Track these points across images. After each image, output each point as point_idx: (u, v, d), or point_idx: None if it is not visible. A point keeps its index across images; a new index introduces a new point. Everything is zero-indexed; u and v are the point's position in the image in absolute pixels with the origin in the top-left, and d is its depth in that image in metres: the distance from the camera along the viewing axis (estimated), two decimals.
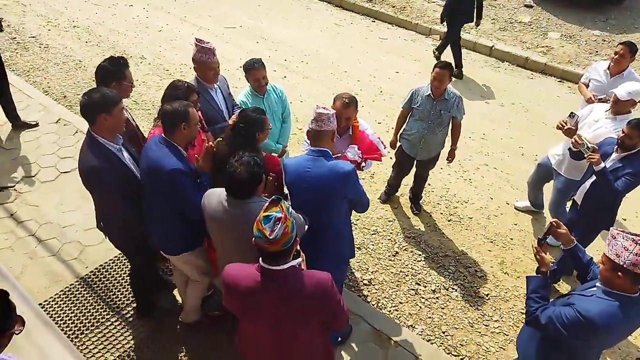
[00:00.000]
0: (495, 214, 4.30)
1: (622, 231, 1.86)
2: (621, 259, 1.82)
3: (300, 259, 1.84)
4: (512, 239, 4.07)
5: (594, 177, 2.99)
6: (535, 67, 6.55)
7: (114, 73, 2.73)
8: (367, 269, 3.72)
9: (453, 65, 6.19)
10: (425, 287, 3.60)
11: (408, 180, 4.26)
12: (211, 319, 3.11)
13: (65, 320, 3.14)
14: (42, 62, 6.06)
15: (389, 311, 3.40)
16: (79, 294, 3.31)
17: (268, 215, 1.66)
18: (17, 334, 1.70)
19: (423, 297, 3.52)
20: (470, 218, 4.25)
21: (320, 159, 2.39)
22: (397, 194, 4.37)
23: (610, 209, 3.11)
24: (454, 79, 6.23)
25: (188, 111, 2.35)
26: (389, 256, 3.84)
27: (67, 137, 4.74)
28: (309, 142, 2.51)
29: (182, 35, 6.89)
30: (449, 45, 6.25)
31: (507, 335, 3.31)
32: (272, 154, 3.42)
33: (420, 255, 3.86)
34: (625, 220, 4.26)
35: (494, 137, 5.24)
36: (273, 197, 1.74)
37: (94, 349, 3.01)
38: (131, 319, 3.18)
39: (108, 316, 3.18)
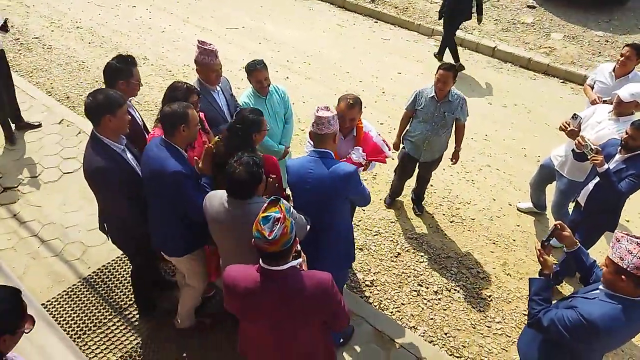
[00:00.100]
0: (497, 215, 4.28)
1: (626, 234, 1.86)
2: (625, 262, 1.81)
3: (300, 260, 1.85)
4: (514, 240, 4.06)
5: (597, 179, 2.98)
6: (538, 68, 6.54)
7: (121, 71, 2.74)
8: (370, 270, 3.71)
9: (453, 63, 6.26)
10: (427, 288, 3.59)
11: (410, 182, 4.25)
12: (211, 322, 3.11)
13: (68, 321, 3.15)
14: (45, 63, 6.08)
15: (391, 312, 3.40)
16: (81, 294, 3.32)
17: (267, 216, 1.67)
18: (26, 333, 1.72)
19: (425, 299, 3.52)
20: (473, 219, 4.23)
21: (323, 160, 2.39)
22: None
23: (614, 211, 3.10)
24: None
25: (187, 113, 2.34)
26: (391, 257, 3.83)
27: (70, 137, 4.75)
28: (312, 143, 2.51)
29: (185, 36, 6.91)
30: (446, 43, 6.28)
31: (510, 336, 3.30)
32: (274, 155, 3.44)
33: (422, 256, 3.85)
34: (628, 221, 4.24)
35: (497, 138, 5.23)
36: (272, 197, 1.74)
37: (96, 349, 3.01)
38: (133, 319, 3.18)
39: (110, 316, 3.19)
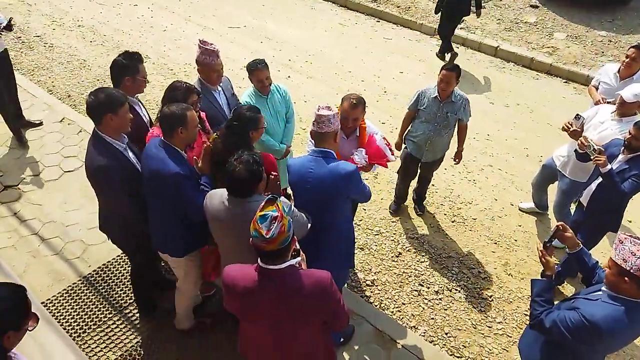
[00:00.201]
0: (499, 215, 4.27)
1: (629, 236, 1.85)
2: (628, 264, 1.81)
3: (299, 258, 1.84)
4: (516, 240, 4.05)
5: (600, 179, 2.97)
6: (540, 67, 6.51)
7: (127, 68, 2.74)
8: (370, 269, 3.70)
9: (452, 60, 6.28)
10: (428, 288, 3.58)
11: (412, 182, 4.24)
12: (212, 322, 3.10)
13: (68, 319, 3.15)
14: (47, 62, 6.08)
15: (392, 312, 3.39)
16: (81, 292, 3.31)
17: (264, 215, 1.67)
18: (30, 331, 1.72)
19: (426, 298, 3.51)
20: (474, 219, 4.22)
21: (324, 160, 2.39)
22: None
23: (617, 211, 3.09)
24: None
25: (185, 115, 2.33)
26: (392, 257, 3.82)
27: (71, 136, 4.75)
28: (313, 142, 2.51)
29: (187, 35, 6.90)
30: (440, 37, 6.36)
31: (511, 337, 3.29)
32: (275, 154, 3.42)
33: (423, 256, 3.84)
34: (630, 222, 4.22)
35: (499, 138, 5.21)
36: (269, 196, 1.74)
37: (96, 347, 3.01)
38: (133, 318, 3.17)
39: (110, 315, 3.18)
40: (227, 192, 2.12)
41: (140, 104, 2.97)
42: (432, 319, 3.37)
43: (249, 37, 6.98)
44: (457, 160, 3.91)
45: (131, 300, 3.26)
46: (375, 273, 3.68)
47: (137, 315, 3.18)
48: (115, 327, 3.12)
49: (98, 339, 3.05)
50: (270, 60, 3.40)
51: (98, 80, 5.76)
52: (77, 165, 4.38)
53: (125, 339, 3.06)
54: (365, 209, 4.20)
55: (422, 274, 3.69)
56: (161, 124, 2.38)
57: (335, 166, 2.36)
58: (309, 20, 7.57)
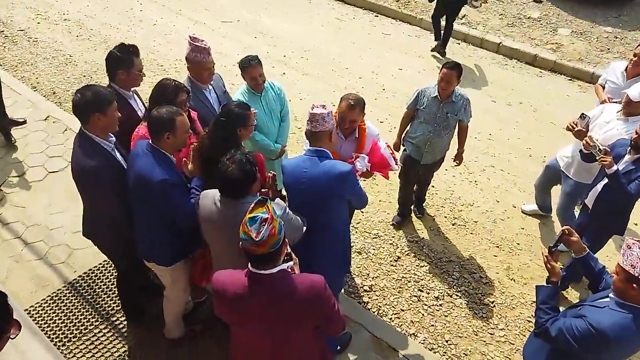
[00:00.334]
0: (501, 218, 4.20)
1: (638, 241, 1.84)
2: (636, 270, 1.80)
3: (291, 262, 1.82)
4: (518, 243, 3.97)
5: (605, 180, 2.93)
6: (544, 64, 6.41)
7: (122, 60, 2.68)
8: (368, 274, 3.63)
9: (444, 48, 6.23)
10: (428, 293, 3.51)
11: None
12: (202, 328, 3.03)
13: (52, 327, 3.09)
14: (31, 57, 5.94)
15: (391, 319, 3.33)
16: (66, 299, 3.24)
17: (253, 217, 1.63)
18: (12, 339, 1.68)
19: (426, 304, 3.44)
20: (476, 222, 4.14)
21: (318, 159, 2.35)
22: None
23: (623, 213, 3.05)
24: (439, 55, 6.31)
25: (174, 120, 2.25)
26: (391, 261, 3.74)
27: (56, 135, 4.64)
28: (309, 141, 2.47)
29: (177, 29, 6.75)
30: (432, 22, 6.35)
31: (513, 344, 3.23)
32: (269, 154, 3.33)
33: (423, 260, 3.77)
34: (636, 224, 4.16)
35: (501, 138, 5.12)
36: (259, 197, 1.72)
37: (81, 357, 2.95)
38: (121, 325, 3.11)
39: (97, 323, 3.12)
40: (220, 193, 2.09)
41: (135, 97, 2.91)
42: (432, 325, 3.31)
43: (243, 31, 6.85)
44: (457, 162, 3.83)
45: (118, 307, 3.19)
46: (373, 278, 3.60)
47: (125, 322, 3.12)
48: (102, 335, 3.06)
49: (84, 348, 2.99)
50: (264, 57, 3.30)
51: (84, 76, 5.64)
52: (63, 165, 4.29)
53: (112, 347, 3.00)
54: (362, 211, 4.13)
55: (422, 279, 3.61)
56: (149, 126, 2.32)
57: (330, 166, 2.33)
58: (305, 14, 7.44)
